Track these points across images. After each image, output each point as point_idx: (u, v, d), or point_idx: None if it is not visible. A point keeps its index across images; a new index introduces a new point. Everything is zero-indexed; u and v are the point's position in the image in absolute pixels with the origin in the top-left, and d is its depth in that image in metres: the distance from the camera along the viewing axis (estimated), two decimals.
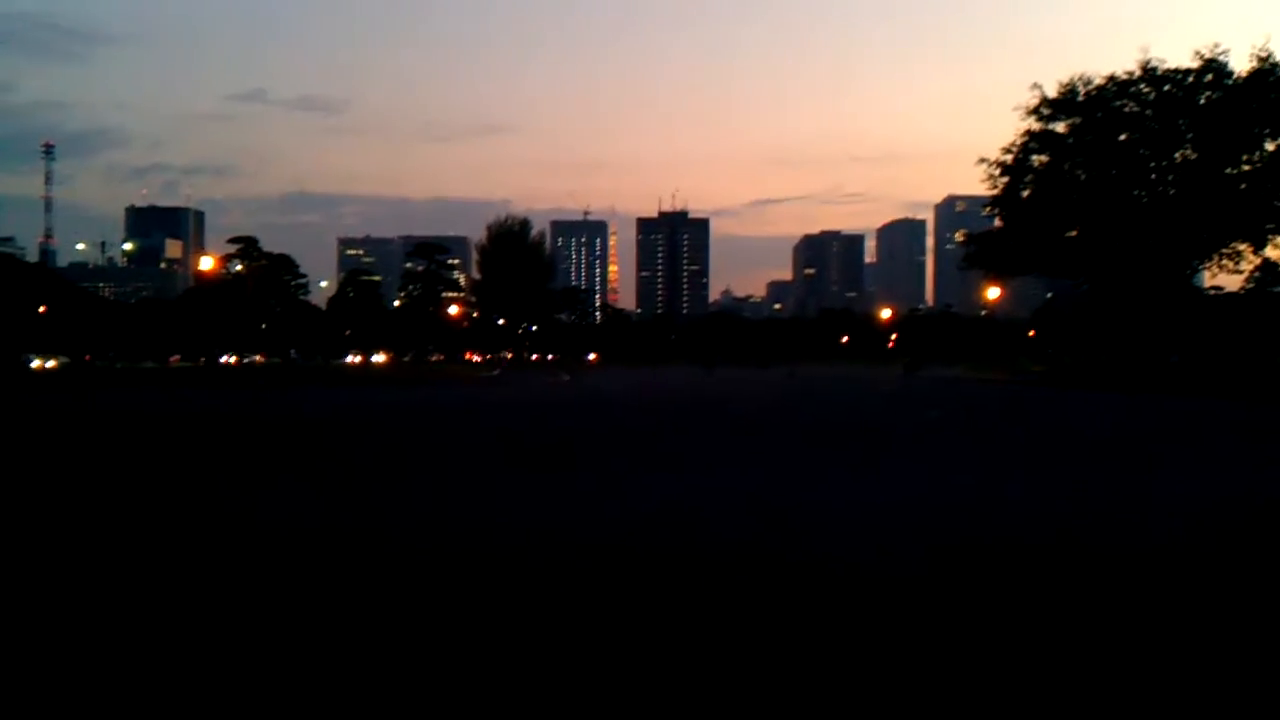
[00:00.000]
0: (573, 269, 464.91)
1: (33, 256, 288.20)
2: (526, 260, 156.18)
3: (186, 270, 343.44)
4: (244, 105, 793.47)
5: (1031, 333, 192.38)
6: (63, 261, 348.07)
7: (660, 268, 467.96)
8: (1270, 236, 66.86)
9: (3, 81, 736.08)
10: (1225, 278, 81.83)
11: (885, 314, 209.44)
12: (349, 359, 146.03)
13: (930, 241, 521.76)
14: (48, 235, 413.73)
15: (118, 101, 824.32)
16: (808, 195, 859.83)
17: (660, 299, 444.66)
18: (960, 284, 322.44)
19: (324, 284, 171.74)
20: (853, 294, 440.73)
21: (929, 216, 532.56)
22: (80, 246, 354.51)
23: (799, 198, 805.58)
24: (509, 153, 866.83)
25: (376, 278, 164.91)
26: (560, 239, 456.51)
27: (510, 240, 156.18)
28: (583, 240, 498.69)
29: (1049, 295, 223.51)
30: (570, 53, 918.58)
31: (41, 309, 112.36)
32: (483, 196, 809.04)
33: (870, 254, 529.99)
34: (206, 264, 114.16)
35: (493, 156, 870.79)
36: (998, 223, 75.01)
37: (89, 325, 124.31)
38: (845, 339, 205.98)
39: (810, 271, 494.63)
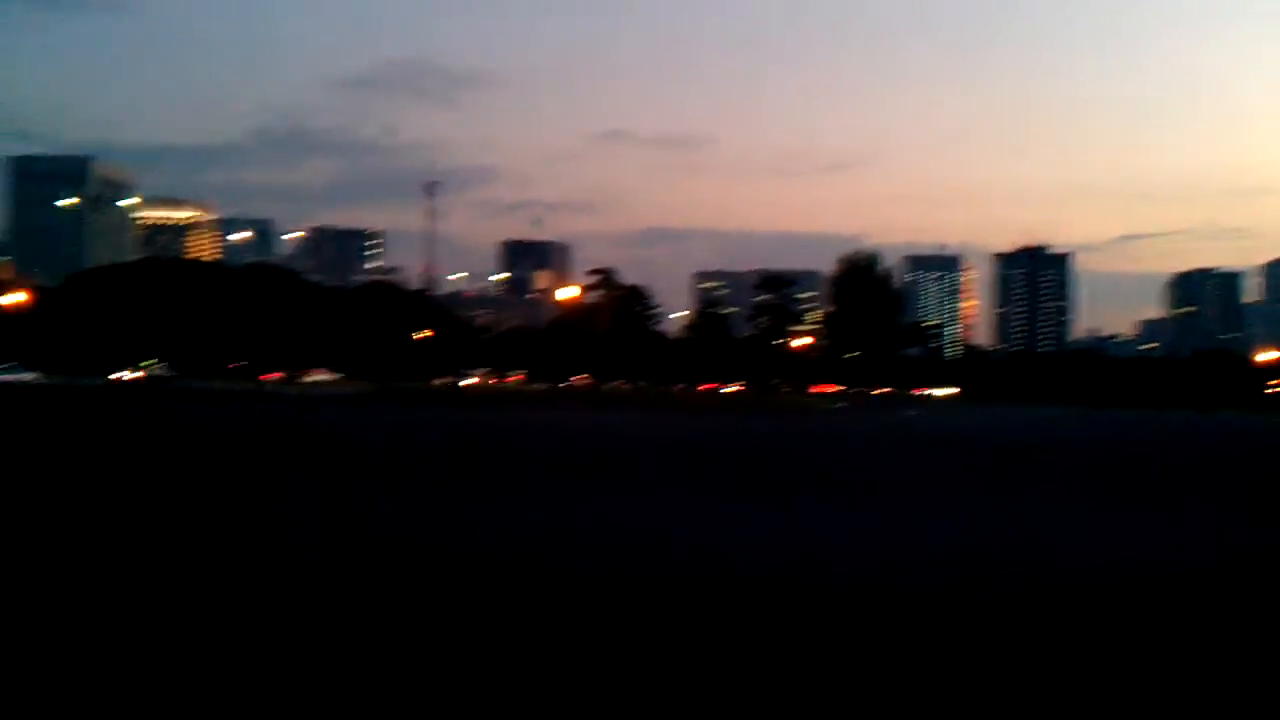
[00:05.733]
0: (927, 304, 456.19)
1: (417, 285, 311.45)
2: (876, 294, 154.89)
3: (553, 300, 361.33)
4: (606, 144, 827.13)
5: None
6: (443, 291, 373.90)
7: (1019, 304, 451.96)
8: None
9: (388, 124, 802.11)
10: None
11: (1269, 356, 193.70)
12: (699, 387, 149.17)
13: None
14: (430, 266, 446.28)
15: (490, 141, 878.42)
16: (1178, 230, 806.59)
17: (1019, 336, 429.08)
18: None
19: (674, 316, 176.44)
20: (1232, 335, 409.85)
21: None
22: (455, 276, 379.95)
23: (1169, 233, 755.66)
24: (863, 187, 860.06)
25: (727, 310, 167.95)
26: (914, 274, 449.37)
27: (860, 274, 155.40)
28: (937, 275, 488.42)
29: None
30: (926, 86, 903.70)
31: (424, 333, 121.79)
32: (836, 231, 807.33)
33: (1252, 292, 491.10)
34: (568, 293, 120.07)
35: (846, 191, 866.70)
36: None
37: (465, 349, 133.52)
38: (1220, 382, 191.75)
39: (1185, 310, 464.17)
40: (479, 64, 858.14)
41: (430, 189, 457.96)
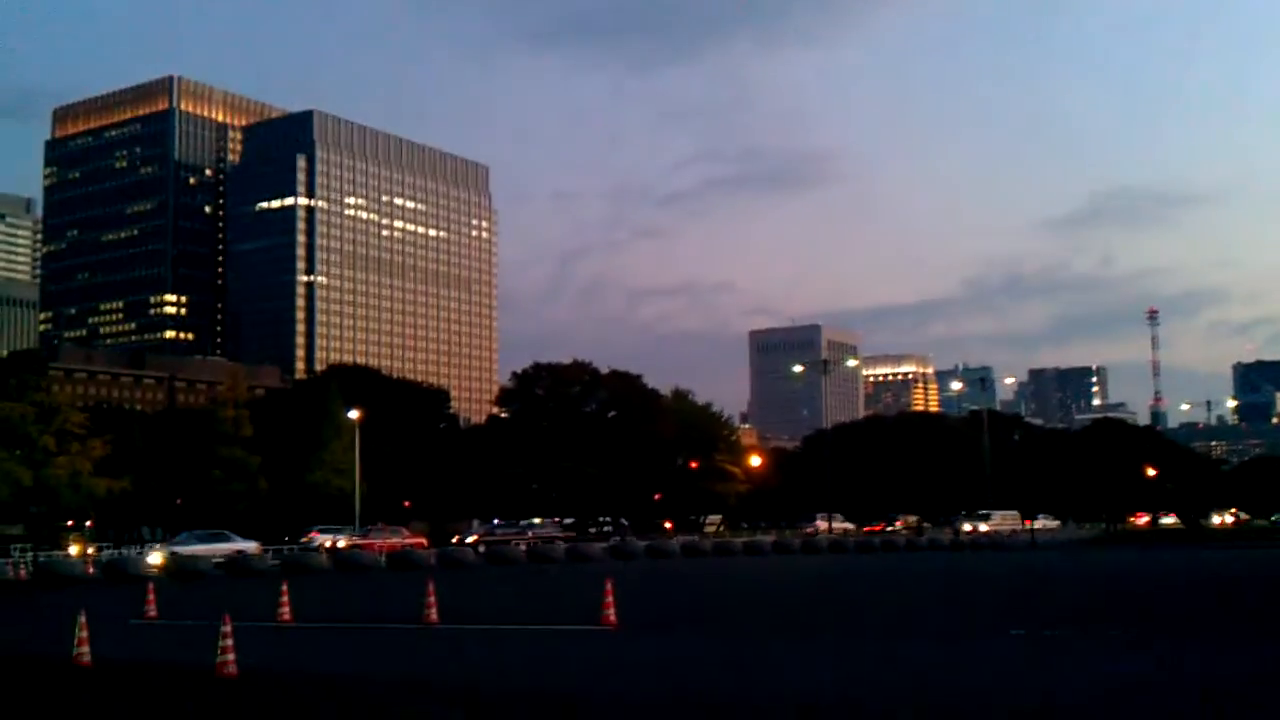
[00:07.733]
0: None
1: (1143, 420, 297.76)
2: None
3: None
4: None
5: None
6: (1172, 423, 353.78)
7: None
8: None
9: (1104, 255, 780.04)
10: None
11: None
12: None
13: None
14: (1156, 398, 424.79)
15: (1214, 260, 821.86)
16: None
17: None
18: None
19: None
20: None
21: None
22: (1184, 407, 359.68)
23: None
24: None
25: None
26: None
27: None
28: None
29: None
30: None
31: (1151, 470, 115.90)
32: None
33: None
34: None
35: None
36: None
37: (1196, 485, 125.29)
38: None
39: None
40: (1194, 183, 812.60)
41: (1152, 318, 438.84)
